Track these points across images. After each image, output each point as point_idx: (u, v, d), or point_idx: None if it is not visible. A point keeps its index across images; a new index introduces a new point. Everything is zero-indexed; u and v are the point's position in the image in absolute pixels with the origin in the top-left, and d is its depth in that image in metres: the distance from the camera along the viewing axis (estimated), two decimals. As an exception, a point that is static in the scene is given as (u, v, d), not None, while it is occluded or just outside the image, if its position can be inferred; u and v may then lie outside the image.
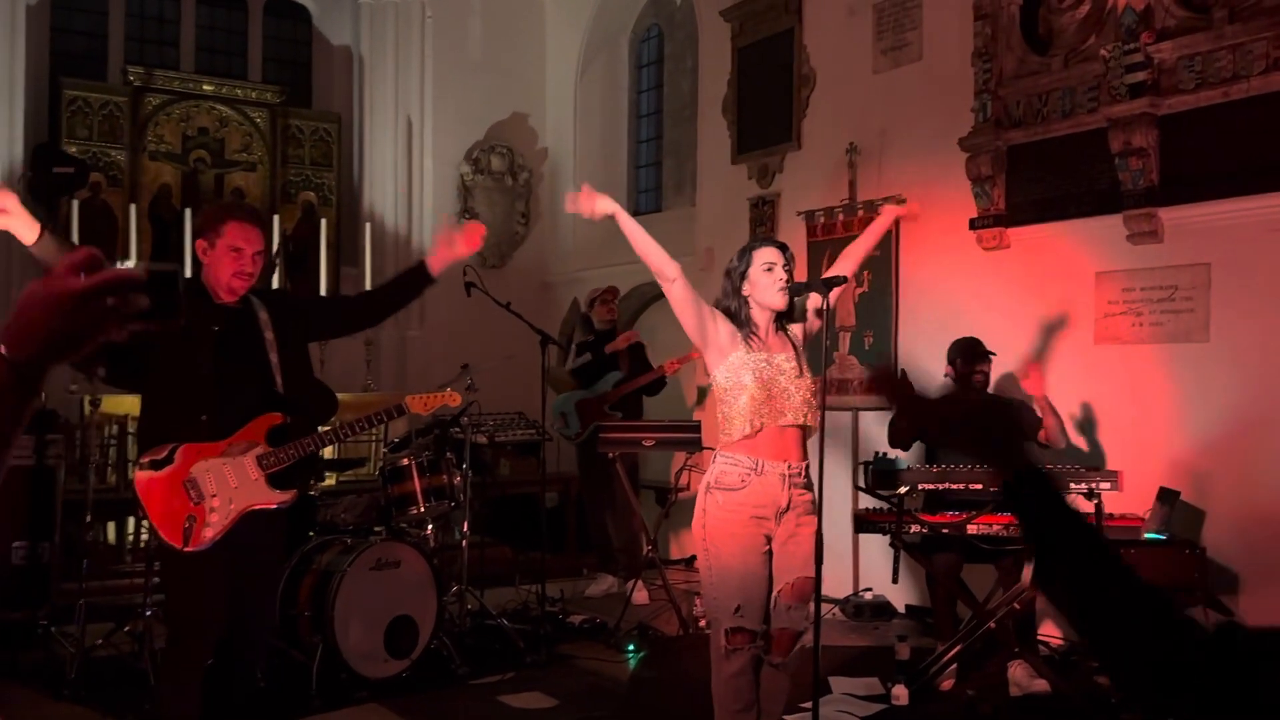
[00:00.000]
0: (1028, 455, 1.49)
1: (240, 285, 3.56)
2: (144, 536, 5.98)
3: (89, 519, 6.08)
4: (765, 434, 3.51)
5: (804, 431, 3.59)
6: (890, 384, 1.75)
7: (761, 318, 3.61)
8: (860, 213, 6.74)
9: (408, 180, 9.61)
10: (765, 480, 3.50)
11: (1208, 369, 5.17)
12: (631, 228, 3.54)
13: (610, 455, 6.32)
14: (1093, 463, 5.13)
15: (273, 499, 3.56)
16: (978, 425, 1.55)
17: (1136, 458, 5.15)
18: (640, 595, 6.44)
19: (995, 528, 4.71)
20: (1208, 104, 5.06)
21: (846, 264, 3.89)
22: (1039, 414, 5.18)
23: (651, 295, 8.99)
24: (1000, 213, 6.01)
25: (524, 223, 10.01)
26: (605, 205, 3.57)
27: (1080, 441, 5.60)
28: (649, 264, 3.55)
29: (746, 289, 3.60)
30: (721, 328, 3.57)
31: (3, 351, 1.17)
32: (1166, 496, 4.95)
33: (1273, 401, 4.93)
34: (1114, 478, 4.68)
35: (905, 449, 5.31)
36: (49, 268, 3.34)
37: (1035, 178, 5.87)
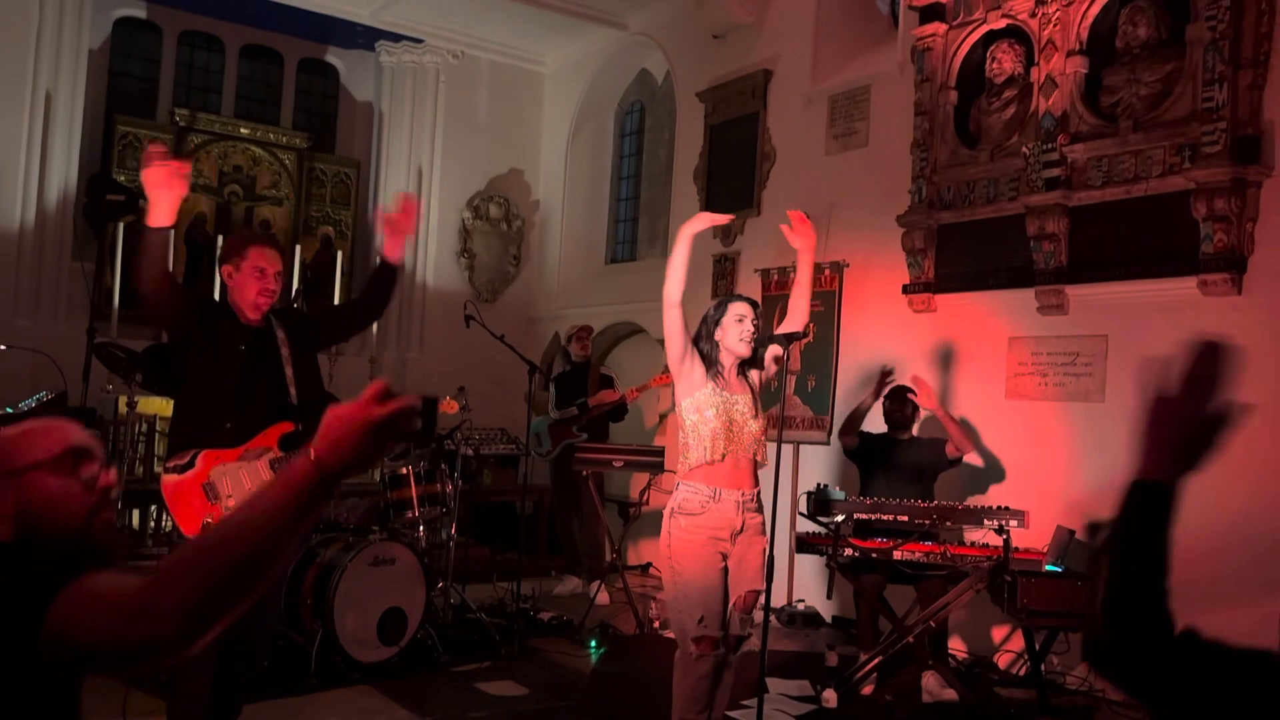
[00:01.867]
0: None
1: (264, 302, 3.52)
2: (165, 525, 5.83)
3: (119, 506, 5.93)
4: (723, 464, 3.50)
5: (755, 463, 3.59)
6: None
7: (728, 360, 3.61)
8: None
9: (416, 221, 9.53)
10: (722, 506, 3.49)
11: (1102, 426, 5.20)
12: (681, 250, 3.54)
13: (584, 473, 6.28)
14: (1003, 502, 5.12)
15: (284, 500, 3.48)
16: None
17: (1040, 499, 5.15)
18: (602, 596, 6.38)
19: (917, 554, 4.71)
20: (1112, 199, 5.12)
21: (796, 318, 3.85)
22: (944, 430, 5.23)
23: (622, 334, 8.97)
24: (929, 281, 6.05)
25: (515, 264, 9.96)
26: (697, 223, 3.60)
27: (992, 483, 5.62)
28: (669, 280, 3.54)
29: (719, 334, 3.60)
30: (697, 364, 3.58)
31: (317, 455, 1.22)
32: (1063, 534, 4.96)
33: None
34: (1021, 516, 4.69)
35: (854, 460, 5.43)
36: (145, 260, 3.26)
37: (961, 253, 5.90)
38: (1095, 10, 5.23)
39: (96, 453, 1.52)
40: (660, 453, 6.21)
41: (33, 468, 1.43)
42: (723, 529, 3.48)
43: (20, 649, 1.21)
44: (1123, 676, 1.22)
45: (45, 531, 1.41)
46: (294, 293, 7.32)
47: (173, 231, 3.29)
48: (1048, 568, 4.72)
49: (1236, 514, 4.60)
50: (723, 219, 3.80)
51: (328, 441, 1.22)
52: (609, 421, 7.09)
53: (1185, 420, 1.24)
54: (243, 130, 8.84)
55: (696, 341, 3.62)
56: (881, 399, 5.45)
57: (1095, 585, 1.26)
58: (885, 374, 5.53)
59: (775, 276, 7.11)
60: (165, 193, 3.16)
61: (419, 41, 9.37)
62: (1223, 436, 1.27)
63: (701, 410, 3.52)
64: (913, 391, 5.37)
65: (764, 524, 3.59)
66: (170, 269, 3.49)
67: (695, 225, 3.61)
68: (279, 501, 1.20)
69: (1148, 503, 1.25)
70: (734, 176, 7.65)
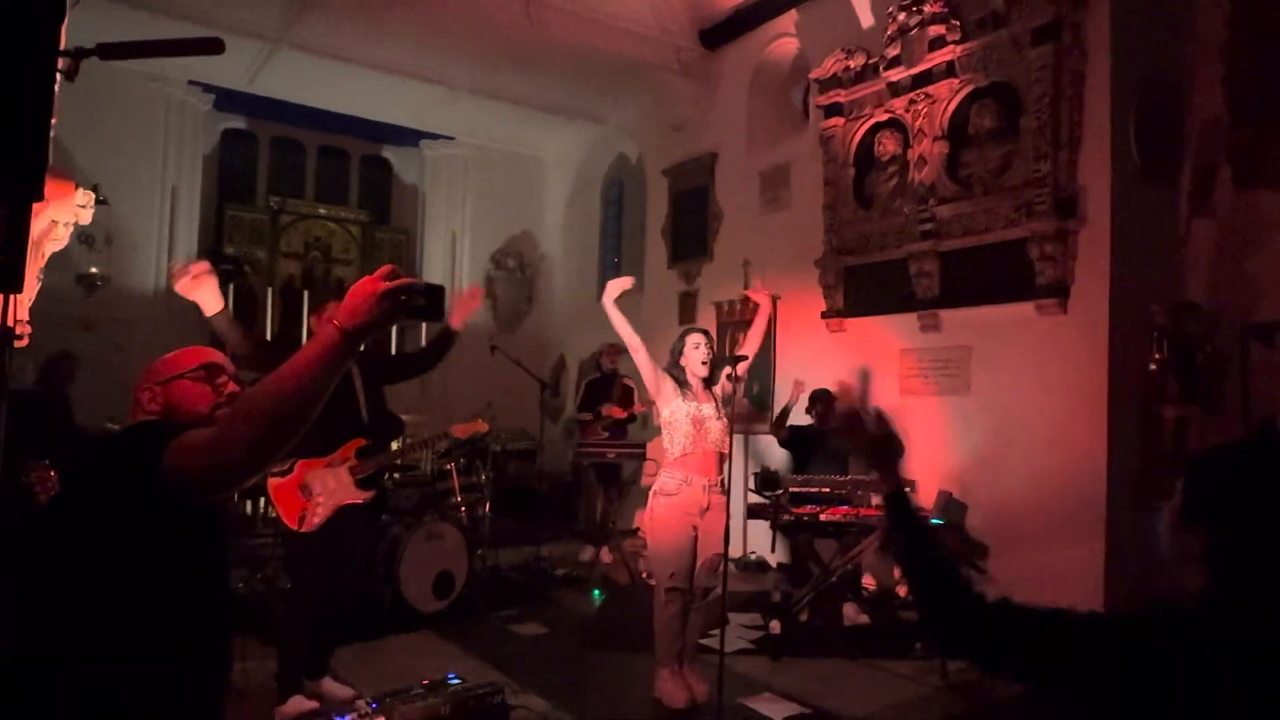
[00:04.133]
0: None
1: None
2: (270, 514, 5.84)
3: (235, 497, 5.93)
4: (694, 456, 3.53)
5: (720, 456, 3.61)
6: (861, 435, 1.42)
7: (693, 379, 3.64)
8: (750, 305, 6.81)
9: (451, 273, 9.57)
10: (692, 489, 3.52)
11: (969, 412, 5.28)
12: (616, 317, 3.54)
13: (584, 463, 6.28)
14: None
15: (359, 497, 3.52)
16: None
17: (926, 470, 5.21)
18: (605, 555, 6.36)
19: (837, 516, 4.73)
20: (970, 245, 5.19)
21: (749, 346, 3.89)
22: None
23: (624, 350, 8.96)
24: (840, 308, 6.10)
25: (528, 303, 9.99)
26: (611, 292, 3.59)
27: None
28: (624, 338, 3.55)
29: (683, 361, 3.65)
30: (668, 384, 3.61)
31: (338, 323, 1.21)
32: (943, 495, 5.04)
33: (1009, 433, 5.05)
34: (913, 484, 4.70)
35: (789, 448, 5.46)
36: (224, 338, 3.18)
37: (862, 287, 5.96)
38: (953, 106, 5.31)
39: (226, 368, 1.60)
40: (643, 445, 6.25)
41: (176, 377, 1.54)
42: (693, 506, 3.51)
43: (153, 485, 1.27)
44: (954, 648, 1.20)
45: (181, 419, 1.48)
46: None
47: (226, 313, 3.09)
48: (933, 521, 4.79)
49: (1057, 476, 4.69)
50: (627, 282, 3.67)
51: (346, 310, 1.22)
52: (626, 425, 6.98)
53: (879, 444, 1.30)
54: (320, 210, 8.85)
55: (668, 368, 3.66)
56: (807, 400, 5.52)
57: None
58: (797, 382, 5.62)
59: (726, 308, 7.19)
60: (197, 291, 2.97)
61: (451, 139, 9.44)
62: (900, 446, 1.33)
63: (676, 416, 3.56)
64: (831, 395, 5.44)
65: (726, 503, 3.61)
66: (245, 335, 3.32)
67: (611, 293, 3.57)
68: (314, 358, 1.21)
69: (896, 509, 1.28)
70: (691, 232, 7.71)
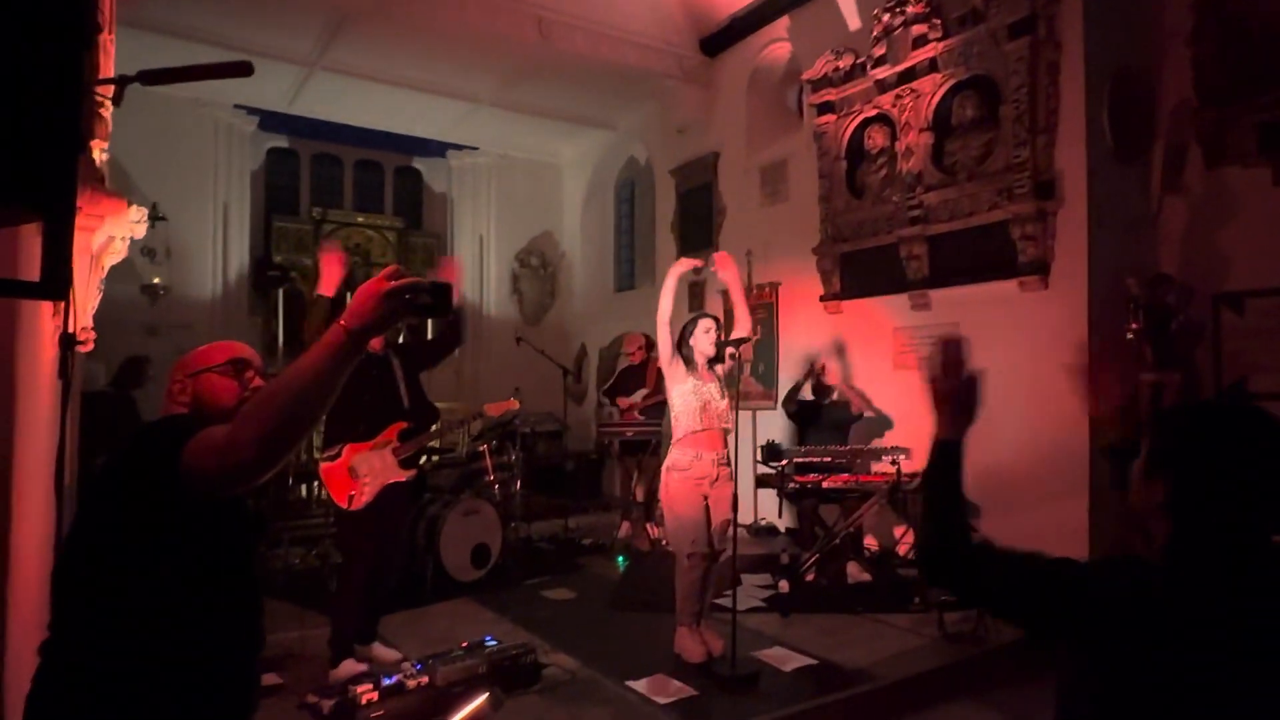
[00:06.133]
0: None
1: (378, 343, 3.55)
2: (322, 495, 5.90)
3: (291, 482, 6.00)
4: (702, 433, 3.52)
5: (725, 432, 3.60)
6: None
7: (700, 360, 3.62)
8: (754, 291, 6.77)
9: (479, 272, 9.57)
10: (702, 463, 3.51)
11: (960, 385, 5.22)
12: (670, 285, 3.56)
13: (605, 440, 6.26)
14: (895, 443, 5.15)
15: (402, 476, 3.55)
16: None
17: (920, 438, 5.16)
18: (653, 530, 6.30)
19: (839, 483, 4.72)
20: (956, 229, 5.12)
21: (743, 325, 3.82)
22: (849, 399, 5.28)
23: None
24: (837, 292, 6.05)
25: (551, 297, 9.97)
26: (677, 269, 3.61)
27: (887, 429, 5.62)
28: (661, 306, 3.55)
29: (692, 341, 3.62)
30: (680, 364, 3.59)
31: (344, 324, 1.15)
32: (937, 462, 4.99)
33: (997, 401, 4.92)
34: (907, 451, 4.73)
35: (794, 420, 5.40)
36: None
37: (857, 271, 5.91)
38: (936, 99, 5.23)
39: (254, 363, 1.52)
40: (659, 422, 6.23)
41: (204, 371, 1.47)
42: (703, 479, 3.51)
43: (172, 480, 1.22)
44: (939, 577, 1.21)
45: (208, 411, 1.42)
46: (400, 331, 7.37)
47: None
48: (928, 486, 4.77)
49: (1042, 441, 4.63)
50: (696, 263, 3.66)
51: (351, 310, 1.15)
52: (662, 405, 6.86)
53: (954, 394, 1.22)
54: (359, 219, 8.86)
55: (679, 347, 3.65)
56: (809, 378, 5.50)
57: (918, 518, 1.24)
58: (812, 366, 5.57)
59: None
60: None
61: (476, 149, 9.42)
62: (979, 399, 1.23)
63: (685, 396, 3.54)
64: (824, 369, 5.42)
65: (732, 474, 3.60)
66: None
67: (677, 269, 3.59)
68: (320, 357, 1.14)
69: (943, 456, 1.25)
70: (698, 226, 7.66)
